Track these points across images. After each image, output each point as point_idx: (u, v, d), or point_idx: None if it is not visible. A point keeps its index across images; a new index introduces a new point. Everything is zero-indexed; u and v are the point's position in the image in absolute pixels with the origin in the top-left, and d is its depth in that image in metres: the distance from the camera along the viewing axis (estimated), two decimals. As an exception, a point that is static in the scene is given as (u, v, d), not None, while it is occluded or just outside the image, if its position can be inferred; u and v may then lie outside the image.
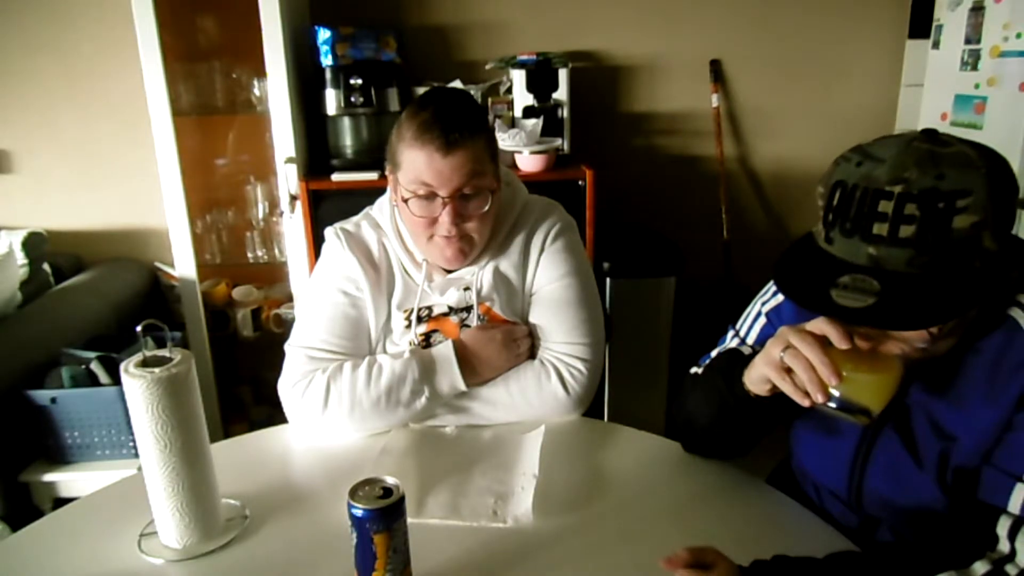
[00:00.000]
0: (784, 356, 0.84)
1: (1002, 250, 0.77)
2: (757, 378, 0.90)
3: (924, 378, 0.89)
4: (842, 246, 0.80)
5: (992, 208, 0.74)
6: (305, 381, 1.18)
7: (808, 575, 0.79)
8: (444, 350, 1.19)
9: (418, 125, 1.11)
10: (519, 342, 1.22)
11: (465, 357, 1.19)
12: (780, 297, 1.09)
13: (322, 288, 1.24)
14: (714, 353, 1.17)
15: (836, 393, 0.82)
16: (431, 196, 1.13)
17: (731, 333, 1.17)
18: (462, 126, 1.11)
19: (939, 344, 0.84)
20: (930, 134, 0.79)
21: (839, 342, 0.81)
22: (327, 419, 1.17)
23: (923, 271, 0.76)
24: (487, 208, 1.17)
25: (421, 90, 2.37)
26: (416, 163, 1.12)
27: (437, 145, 1.10)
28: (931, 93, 2.47)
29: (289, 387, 1.20)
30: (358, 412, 1.16)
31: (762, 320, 1.11)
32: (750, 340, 1.13)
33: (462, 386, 1.18)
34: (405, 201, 1.15)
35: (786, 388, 0.84)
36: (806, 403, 0.83)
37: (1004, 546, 0.76)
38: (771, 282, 1.12)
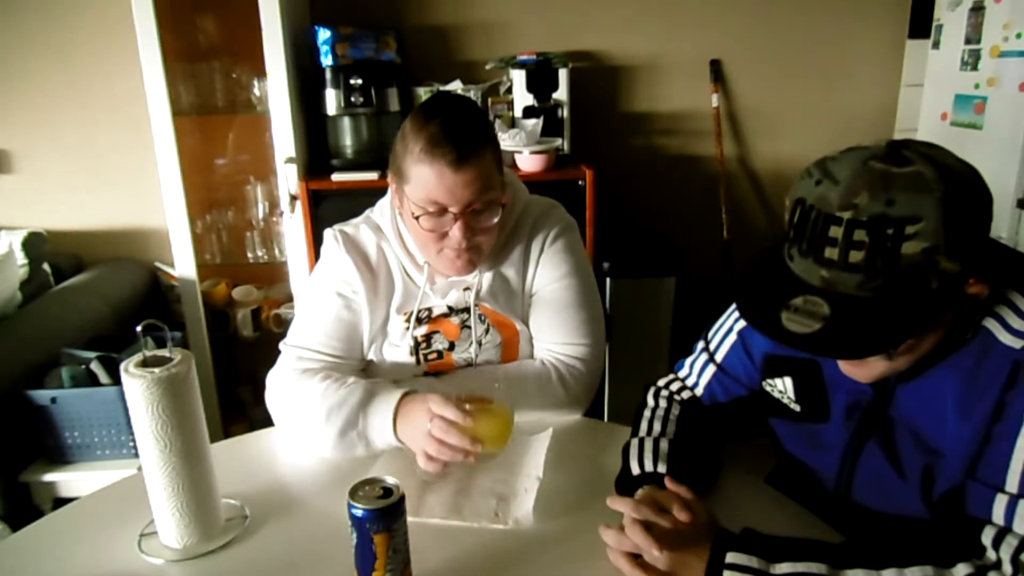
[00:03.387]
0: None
1: (966, 269, 0.75)
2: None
3: (905, 391, 0.89)
4: (800, 264, 0.80)
5: (947, 232, 0.72)
6: (286, 381, 1.19)
7: (791, 548, 0.80)
8: (389, 394, 1.10)
9: (427, 139, 1.07)
10: (442, 444, 1.02)
11: (401, 414, 1.08)
12: None
13: (318, 290, 1.24)
14: (685, 365, 1.15)
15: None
16: (441, 212, 1.11)
17: (700, 346, 1.14)
18: (472, 140, 1.08)
19: (899, 360, 0.83)
20: (894, 150, 0.77)
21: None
22: (288, 423, 1.17)
23: (875, 294, 0.75)
24: (496, 220, 1.16)
25: (421, 90, 2.37)
26: (426, 180, 1.09)
27: (448, 161, 1.06)
28: (931, 93, 2.47)
29: (272, 384, 1.21)
30: (307, 421, 1.13)
31: (732, 337, 1.09)
32: (719, 356, 1.10)
33: (391, 435, 1.07)
34: (416, 218, 1.12)
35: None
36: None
37: (991, 555, 0.77)
38: None
